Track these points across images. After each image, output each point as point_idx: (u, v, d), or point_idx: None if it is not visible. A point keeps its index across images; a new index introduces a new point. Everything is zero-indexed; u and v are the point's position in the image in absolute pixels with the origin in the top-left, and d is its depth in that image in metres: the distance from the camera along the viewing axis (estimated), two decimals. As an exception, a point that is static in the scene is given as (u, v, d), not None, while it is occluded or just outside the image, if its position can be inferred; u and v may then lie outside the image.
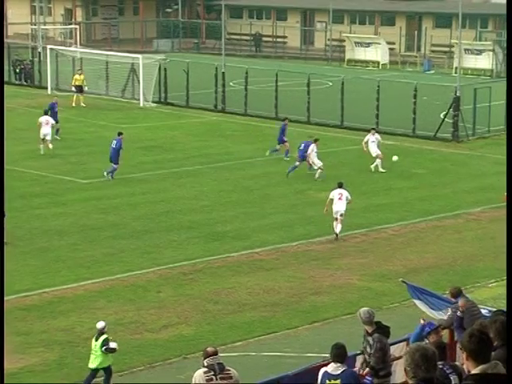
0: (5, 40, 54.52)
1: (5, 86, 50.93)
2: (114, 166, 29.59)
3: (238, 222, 25.31)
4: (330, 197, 24.21)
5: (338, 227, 23.85)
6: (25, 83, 51.37)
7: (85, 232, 23.98)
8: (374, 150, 30.86)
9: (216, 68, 44.14)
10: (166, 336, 17.72)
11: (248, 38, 69.38)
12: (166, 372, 16.34)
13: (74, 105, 43.91)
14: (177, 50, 67.62)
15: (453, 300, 13.89)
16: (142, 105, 45.12)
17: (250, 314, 18.81)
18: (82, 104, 44.34)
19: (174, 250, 22.83)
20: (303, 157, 29.81)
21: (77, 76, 45.09)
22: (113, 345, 15.55)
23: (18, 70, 52.05)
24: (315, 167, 29.64)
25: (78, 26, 66.71)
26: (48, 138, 32.70)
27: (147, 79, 45.25)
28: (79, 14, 73.42)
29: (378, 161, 30.66)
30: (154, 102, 45.37)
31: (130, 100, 46.15)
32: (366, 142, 31.10)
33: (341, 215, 23.89)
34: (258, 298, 19.62)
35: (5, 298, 16.32)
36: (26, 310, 18.75)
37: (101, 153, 34.13)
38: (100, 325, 15.79)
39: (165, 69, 45.61)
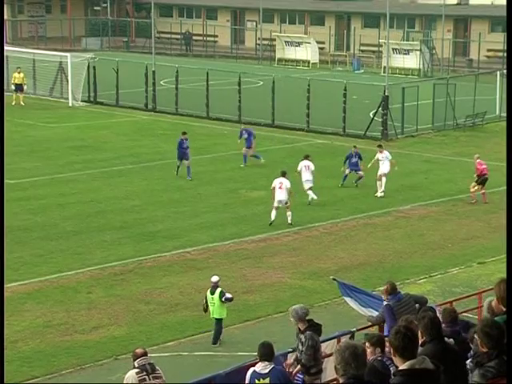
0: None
1: None
2: (186, 162, 29.84)
3: (170, 221, 25.18)
4: (273, 185, 24.90)
5: (288, 216, 24.68)
6: None
7: (12, 233, 23.49)
8: (383, 169, 28.18)
9: (146, 67, 43.84)
10: (96, 337, 17.52)
11: (178, 36, 69.10)
12: (96, 373, 16.15)
13: (14, 103, 43.33)
14: (106, 49, 66.93)
15: (382, 297, 14.00)
16: (70, 104, 44.54)
17: (182, 314, 18.74)
18: (22, 103, 43.70)
19: (104, 250, 22.59)
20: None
21: (16, 74, 44.38)
22: (229, 295, 17.28)
23: None
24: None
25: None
26: None
27: (76, 78, 44.69)
28: (5, 12, 72.02)
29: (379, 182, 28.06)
30: (83, 101, 44.83)
31: (59, 99, 45.53)
32: (377, 160, 28.66)
33: (285, 203, 24.67)
34: (189, 298, 19.55)
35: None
36: (-48, 314, 18.31)
37: (28, 152, 33.63)
38: (214, 278, 17.43)
39: (94, 67, 45.11)
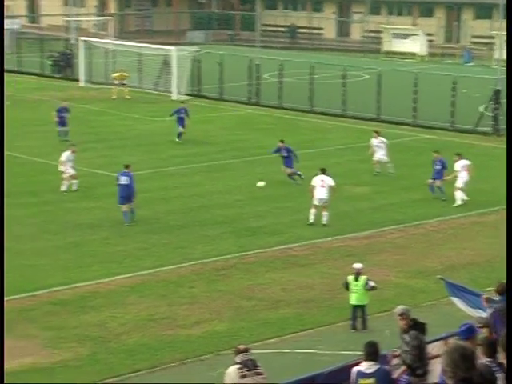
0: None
1: (37, 77, 51.24)
2: (290, 170, 28.30)
3: (272, 216, 24.97)
4: (313, 183, 24.10)
5: (323, 216, 23.77)
6: (56, 75, 51.46)
7: (117, 226, 23.80)
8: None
9: (250, 60, 43.84)
10: (198, 332, 17.46)
11: (283, 29, 69.01)
12: (197, 369, 16.08)
13: (114, 97, 44.03)
14: (211, 42, 67.44)
15: (484, 304, 13.41)
16: (175, 97, 44.95)
17: (283, 311, 18.51)
18: (127, 96, 44.23)
19: (206, 245, 22.56)
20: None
21: (118, 74, 44.92)
22: (372, 283, 17.56)
23: (51, 63, 52.24)
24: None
25: (111, 18, 66.72)
26: None
27: (180, 72, 45.09)
28: (112, 6, 73.55)
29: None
30: (187, 94, 45.18)
31: (163, 93, 46.01)
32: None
33: (325, 202, 23.86)
34: (291, 295, 19.30)
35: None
36: (59, 305, 18.60)
37: (133, 146, 34.05)
38: (358, 265, 17.65)
39: (198, 61, 45.42)
